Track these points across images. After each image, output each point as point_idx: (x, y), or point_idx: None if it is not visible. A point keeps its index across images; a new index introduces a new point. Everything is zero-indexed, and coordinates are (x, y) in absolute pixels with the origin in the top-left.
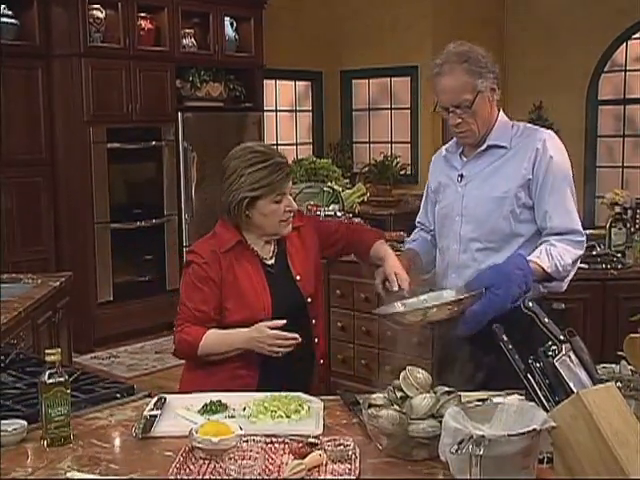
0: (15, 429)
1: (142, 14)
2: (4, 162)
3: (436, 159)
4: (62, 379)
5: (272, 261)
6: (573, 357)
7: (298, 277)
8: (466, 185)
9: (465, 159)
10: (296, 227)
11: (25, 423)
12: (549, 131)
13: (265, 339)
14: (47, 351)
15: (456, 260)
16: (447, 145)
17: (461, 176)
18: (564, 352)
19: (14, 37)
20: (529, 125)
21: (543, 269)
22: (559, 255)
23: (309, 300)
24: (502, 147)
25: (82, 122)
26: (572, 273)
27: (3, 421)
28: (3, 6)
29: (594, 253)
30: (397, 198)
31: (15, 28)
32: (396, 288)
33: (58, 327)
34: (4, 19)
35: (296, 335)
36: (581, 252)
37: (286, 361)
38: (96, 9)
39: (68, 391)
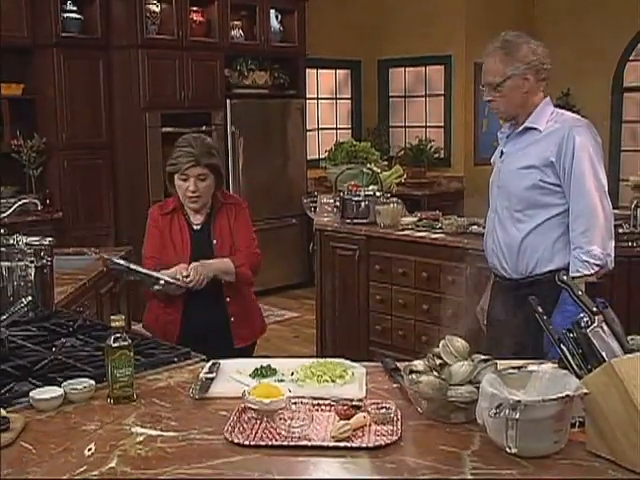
0: (85, 387)
1: (194, 8)
2: (69, 146)
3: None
4: (126, 343)
5: (199, 227)
6: (606, 328)
7: (215, 241)
8: (504, 161)
9: (508, 139)
10: (229, 204)
11: (93, 382)
12: (582, 120)
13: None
14: (112, 317)
15: (491, 226)
16: (502, 129)
17: (502, 152)
18: (597, 323)
19: (78, 31)
20: (569, 114)
21: (586, 275)
22: (588, 254)
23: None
24: (536, 129)
25: (139, 108)
26: (610, 249)
27: (73, 380)
28: (69, 2)
29: (620, 232)
30: (431, 180)
31: (79, 22)
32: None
33: (119, 297)
34: (70, 14)
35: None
36: (605, 234)
37: (201, 312)
38: (152, 3)
39: (131, 354)
